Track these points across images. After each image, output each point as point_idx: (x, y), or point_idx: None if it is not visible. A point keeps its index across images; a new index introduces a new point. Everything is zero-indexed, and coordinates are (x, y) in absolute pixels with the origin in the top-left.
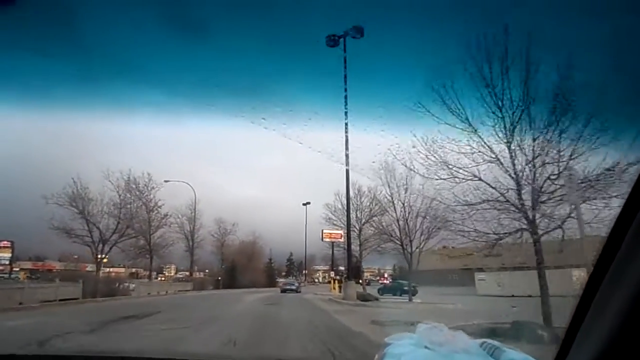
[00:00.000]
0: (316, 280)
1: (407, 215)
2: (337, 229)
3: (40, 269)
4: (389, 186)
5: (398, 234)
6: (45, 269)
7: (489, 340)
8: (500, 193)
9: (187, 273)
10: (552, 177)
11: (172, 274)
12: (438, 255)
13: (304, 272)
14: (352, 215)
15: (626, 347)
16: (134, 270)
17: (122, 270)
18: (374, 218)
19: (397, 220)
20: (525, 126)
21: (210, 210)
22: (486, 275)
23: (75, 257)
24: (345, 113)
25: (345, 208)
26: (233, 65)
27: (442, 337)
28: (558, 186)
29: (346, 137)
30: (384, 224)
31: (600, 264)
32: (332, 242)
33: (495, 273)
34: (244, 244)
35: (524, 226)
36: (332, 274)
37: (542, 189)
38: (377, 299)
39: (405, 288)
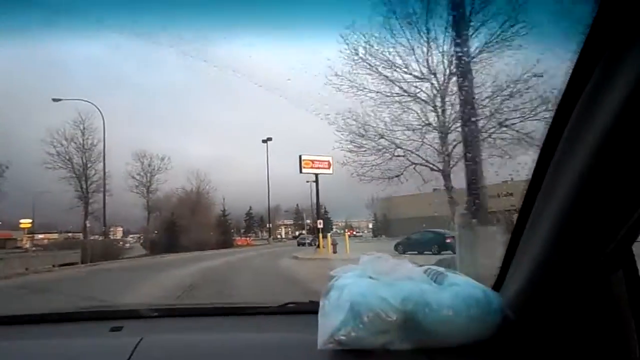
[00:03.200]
0: (278, 236)
1: None
2: (322, 155)
3: None
4: None
5: None
6: None
7: (433, 267)
8: None
9: (138, 235)
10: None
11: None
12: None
13: (267, 226)
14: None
15: (554, 272)
16: (70, 235)
17: (56, 235)
18: None
19: None
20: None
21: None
22: None
23: None
24: None
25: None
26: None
27: (386, 266)
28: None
29: None
30: None
31: (530, 193)
32: (316, 175)
33: None
34: (186, 192)
35: None
36: (320, 223)
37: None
38: None
39: (449, 241)
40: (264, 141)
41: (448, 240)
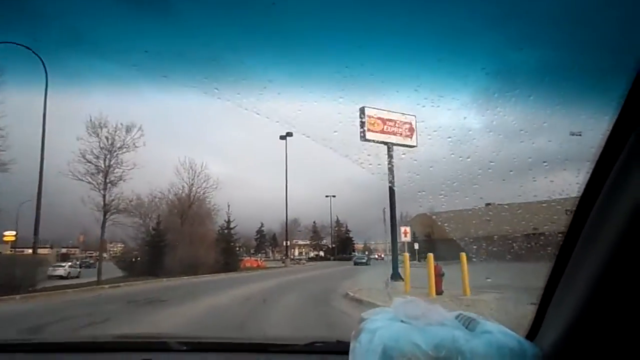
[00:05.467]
0: (291, 257)
1: None
2: (399, 112)
3: None
4: None
5: None
6: None
7: (465, 312)
8: None
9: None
10: None
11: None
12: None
13: (285, 244)
14: None
15: (596, 320)
16: (64, 250)
17: (47, 251)
18: None
19: None
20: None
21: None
22: None
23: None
24: None
25: None
26: (187, 34)
27: (417, 310)
28: None
29: None
30: None
31: (571, 235)
32: (389, 149)
33: None
34: (173, 190)
35: None
36: (405, 232)
37: None
38: None
39: None
40: (282, 137)
41: None
